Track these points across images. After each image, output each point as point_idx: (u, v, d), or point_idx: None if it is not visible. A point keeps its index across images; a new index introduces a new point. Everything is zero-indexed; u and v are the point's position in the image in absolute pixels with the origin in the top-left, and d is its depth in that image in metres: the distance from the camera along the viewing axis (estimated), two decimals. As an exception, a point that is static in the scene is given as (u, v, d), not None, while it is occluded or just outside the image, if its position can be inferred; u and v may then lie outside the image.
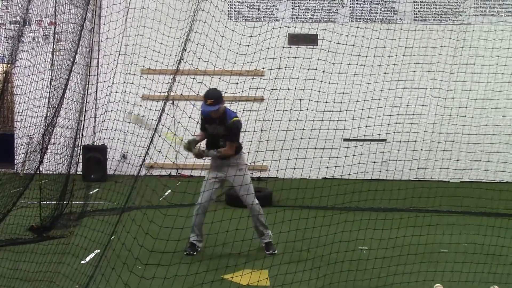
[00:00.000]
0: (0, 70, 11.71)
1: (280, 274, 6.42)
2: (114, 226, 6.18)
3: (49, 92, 8.70)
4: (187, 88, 10.09)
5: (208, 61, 8.83)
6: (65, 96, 8.98)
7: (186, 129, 7.56)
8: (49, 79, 8.80)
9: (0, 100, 9.01)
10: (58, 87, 8.81)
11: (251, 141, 8.22)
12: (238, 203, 8.42)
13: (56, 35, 9.33)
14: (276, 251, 7.47)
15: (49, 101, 8.62)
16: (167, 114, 7.30)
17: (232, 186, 7.68)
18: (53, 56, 8.96)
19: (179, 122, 7.86)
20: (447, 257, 7.10)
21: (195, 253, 7.36)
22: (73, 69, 9.22)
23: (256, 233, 7.56)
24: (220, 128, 7.28)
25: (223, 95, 7.32)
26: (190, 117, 7.62)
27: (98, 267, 5.95)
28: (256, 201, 7.44)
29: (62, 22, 9.28)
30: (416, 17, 13.30)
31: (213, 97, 7.11)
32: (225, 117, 7.26)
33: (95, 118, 12.74)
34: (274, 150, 9.21)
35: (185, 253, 7.30)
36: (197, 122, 7.75)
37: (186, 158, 8.03)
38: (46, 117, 8.64)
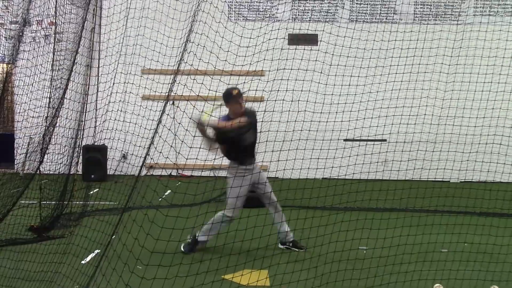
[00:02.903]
0: (0, 70, 11.72)
1: (280, 273, 6.43)
2: (115, 227, 6.18)
3: (49, 92, 8.71)
4: (188, 89, 10.05)
5: (208, 62, 8.85)
6: (65, 96, 8.99)
7: (186, 130, 7.56)
8: (50, 79, 8.81)
9: (0, 100, 9.01)
10: (58, 87, 8.83)
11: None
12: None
13: (57, 35, 9.33)
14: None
15: (49, 101, 8.63)
16: (167, 114, 7.31)
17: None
18: (53, 56, 8.97)
19: (179, 123, 7.87)
20: (446, 257, 7.10)
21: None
22: (73, 69, 9.24)
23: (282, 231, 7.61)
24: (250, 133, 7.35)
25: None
26: (195, 119, 7.62)
27: (98, 267, 5.96)
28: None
29: (63, 22, 9.29)
30: (416, 17, 13.31)
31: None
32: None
33: (95, 118, 12.75)
34: (273, 151, 9.22)
35: (182, 248, 7.34)
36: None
37: (186, 159, 8.03)
38: (46, 117, 8.65)
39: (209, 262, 6.69)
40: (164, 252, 6.58)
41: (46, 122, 8.62)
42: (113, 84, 12.70)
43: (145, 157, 6.58)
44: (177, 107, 8.66)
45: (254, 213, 7.84)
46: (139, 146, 10.41)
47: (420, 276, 6.33)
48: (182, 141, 7.33)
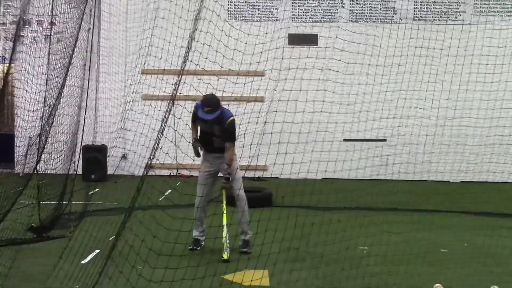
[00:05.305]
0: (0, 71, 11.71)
1: (280, 273, 6.42)
2: (119, 227, 6.17)
3: (45, 91, 8.70)
4: (187, 88, 10.01)
5: (212, 61, 8.85)
6: (64, 96, 8.98)
7: (185, 123, 7.54)
8: (47, 79, 8.79)
9: (1, 101, 9.00)
10: (54, 86, 8.80)
11: (251, 144, 8.20)
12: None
13: (55, 35, 9.32)
14: (251, 251, 7.26)
15: (44, 100, 8.61)
16: (172, 114, 7.29)
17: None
18: (49, 56, 8.96)
19: (183, 121, 7.83)
20: (447, 257, 7.10)
21: (198, 248, 7.34)
22: (71, 69, 9.22)
23: (239, 229, 7.41)
24: (215, 128, 7.13)
25: (220, 99, 7.20)
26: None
27: (98, 267, 5.95)
28: (245, 197, 7.35)
29: (60, 22, 9.28)
30: (416, 17, 13.31)
31: (211, 105, 6.99)
32: (222, 117, 7.07)
33: (95, 118, 12.74)
34: (273, 153, 9.22)
35: (189, 248, 7.27)
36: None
37: (185, 158, 8.03)
38: (42, 116, 8.64)
39: (209, 262, 6.68)
40: (164, 252, 6.57)
41: (42, 121, 8.60)
42: (114, 83, 12.72)
43: (150, 157, 6.49)
44: (183, 107, 8.60)
45: (254, 213, 7.82)
46: (140, 146, 10.44)
47: (422, 277, 6.32)
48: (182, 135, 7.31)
